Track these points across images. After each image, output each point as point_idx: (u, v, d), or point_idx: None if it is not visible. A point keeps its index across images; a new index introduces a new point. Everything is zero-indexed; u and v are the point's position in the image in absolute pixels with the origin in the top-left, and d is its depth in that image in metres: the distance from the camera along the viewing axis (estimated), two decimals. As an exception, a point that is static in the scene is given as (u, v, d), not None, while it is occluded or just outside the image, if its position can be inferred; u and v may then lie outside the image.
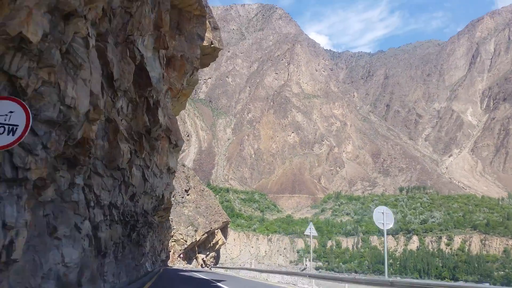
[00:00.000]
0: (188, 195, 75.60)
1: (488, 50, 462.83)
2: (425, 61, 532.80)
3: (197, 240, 74.29)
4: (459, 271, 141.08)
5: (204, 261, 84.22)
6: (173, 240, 68.98)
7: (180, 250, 71.16)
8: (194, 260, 78.93)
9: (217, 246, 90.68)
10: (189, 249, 75.48)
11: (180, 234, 69.50)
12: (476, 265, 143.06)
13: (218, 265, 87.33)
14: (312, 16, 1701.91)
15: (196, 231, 73.39)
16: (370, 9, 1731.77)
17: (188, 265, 74.47)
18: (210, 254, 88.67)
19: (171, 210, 71.12)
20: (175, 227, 68.90)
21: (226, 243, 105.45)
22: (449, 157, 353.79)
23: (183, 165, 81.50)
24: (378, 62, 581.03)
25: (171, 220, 60.01)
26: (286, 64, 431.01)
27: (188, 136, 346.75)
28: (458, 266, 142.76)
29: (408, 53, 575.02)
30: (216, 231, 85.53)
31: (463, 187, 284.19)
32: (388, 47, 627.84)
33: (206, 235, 77.58)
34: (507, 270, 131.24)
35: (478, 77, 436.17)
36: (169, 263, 66.17)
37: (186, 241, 70.01)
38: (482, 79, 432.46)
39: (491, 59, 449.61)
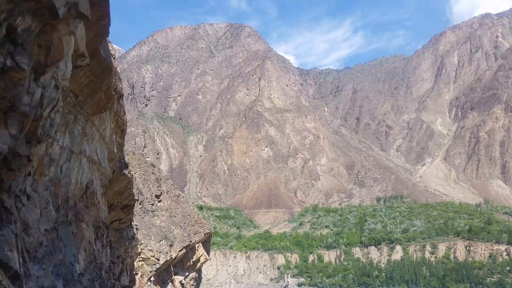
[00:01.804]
0: (159, 201, 64.91)
1: (452, 62, 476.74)
2: (391, 75, 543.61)
3: (173, 257, 61.58)
4: (448, 280, 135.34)
5: (182, 284, 70.61)
6: (140, 258, 55.68)
7: (150, 271, 57.10)
8: (170, 284, 65.69)
9: (198, 265, 77.49)
10: (162, 270, 62.20)
11: (150, 250, 56.30)
12: (465, 272, 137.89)
13: None
14: (278, 37, 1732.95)
15: (171, 246, 60.88)
16: (334, 30, 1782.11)
17: None
18: (190, 275, 75.11)
19: (138, 220, 60.02)
20: (143, 242, 57.49)
21: (209, 260, 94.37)
22: (422, 166, 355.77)
23: (153, 165, 70.90)
24: (346, 78, 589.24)
25: (135, 229, 49.77)
26: (257, 80, 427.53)
27: (158, 154, 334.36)
28: (447, 274, 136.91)
29: (374, 68, 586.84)
30: (197, 245, 73.21)
31: (439, 195, 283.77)
32: (354, 64, 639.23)
33: (184, 250, 65.08)
34: (500, 276, 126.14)
35: (445, 88, 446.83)
36: None
37: (158, 260, 57.04)
38: (448, 90, 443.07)
39: (455, 70, 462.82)
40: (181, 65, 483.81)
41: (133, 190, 26.51)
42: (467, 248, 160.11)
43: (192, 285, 74.49)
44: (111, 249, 30.05)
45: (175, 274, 67.31)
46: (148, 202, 61.16)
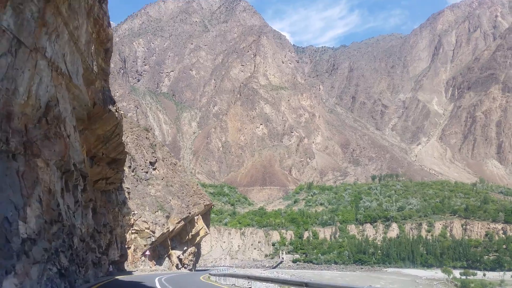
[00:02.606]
0: (154, 169, 59.65)
1: (450, 41, 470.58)
2: (388, 54, 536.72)
3: (170, 230, 56.46)
4: (446, 258, 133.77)
5: (180, 260, 65.75)
6: (133, 230, 50.06)
7: (145, 245, 51.89)
8: (167, 259, 60.55)
9: (198, 239, 72.14)
10: (158, 244, 57.02)
11: (145, 222, 50.96)
12: (461, 250, 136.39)
13: (200, 267, 72.20)
14: (274, 14, 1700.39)
15: (168, 217, 55.54)
16: (330, 7, 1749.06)
17: (157, 267, 56.53)
18: (189, 250, 69.16)
19: (131, 189, 54.20)
20: (136, 212, 50.25)
21: (208, 234, 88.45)
22: (417, 145, 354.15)
23: (147, 130, 65.37)
24: (342, 56, 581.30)
25: (127, 193, 44.42)
26: (252, 56, 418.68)
27: (150, 130, 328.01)
28: (444, 252, 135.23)
29: (371, 46, 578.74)
30: (196, 218, 67.62)
31: (434, 174, 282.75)
32: (350, 43, 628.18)
33: (182, 223, 59.52)
34: (497, 254, 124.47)
35: (442, 67, 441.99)
36: (127, 266, 47.27)
37: (153, 232, 52.07)
38: (445, 70, 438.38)
39: (453, 50, 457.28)
40: (174, 39, 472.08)
41: (122, 138, 21.47)
42: (463, 226, 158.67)
43: (191, 260, 68.80)
44: (96, 214, 25.24)
45: (172, 249, 62.62)
46: (142, 169, 55.90)
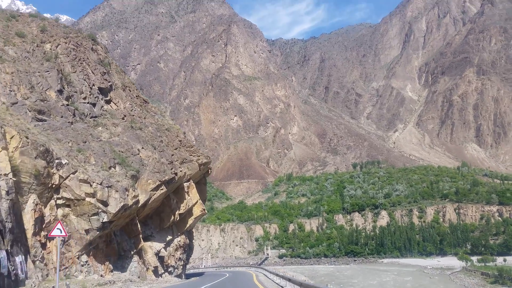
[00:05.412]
0: (109, 101, 39.16)
1: (420, 28, 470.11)
2: (359, 43, 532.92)
3: (141, 202, 31.94)
4: (446, 244, 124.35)
5: (161, 259, 40.34)
6: (62, 200, 26.36)
7: (87, 231, 26.99)
8: (135, 258, 34.14)
9: (191, 222, 46.03)
10: (117, 230, 32.55)
11: (86, 182, 26.74)
12: (460, 235, 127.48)
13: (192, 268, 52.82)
14: (241, 9, 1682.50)
15: (135, 178, 31.73)
16: (296, 2, 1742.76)
17: (116, 275, 30.51)
18: (175, 241, 43.92)
19: (60, 127, 29.34)
20: (67, 162, 26.41)
21: (206, 214, 61.55)
22: (394, 132, 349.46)
23: (93, 39, 44.42)
24: (313, 47, 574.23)
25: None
26: (223, 46, 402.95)
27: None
28: (444, 239, 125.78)
29: (341, 36, 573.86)
30: (187, 184, 43.57)
31: (415, 160, 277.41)
32: (319, 35, 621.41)
33: (163, 190, 35.06)
34: (505, 237, 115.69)
35: (414, 54, 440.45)
36: (43, 277, 22.46)
37: (105, 205, 27.44)
38: (417, 56, 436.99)
39: (424, 36, 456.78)
40: (139, 31, 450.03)
41: None
42: (457, 210, 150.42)
43: (179, 258, 44.21)
44: None
45: (146, 239, 37.91)
46: (85, 99, 35.59)
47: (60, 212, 26.78)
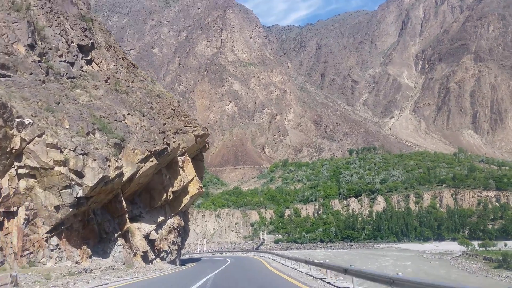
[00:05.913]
0: (90, 61, 34.64)
1: (417, 15, 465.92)
2: (356, 30, 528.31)
3: (126, 176, 28.48)
4: (444, 230, 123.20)
5: (152, 242, 36.05)
6: (24, 169, 22.17)
7: (58, 207, 22.67)
8: (120, 241, 30.13)
9: (186, 200, 41.93)
10: (97, 208, 28.18)
11: (56, 148, 22.55)
12: (458, 220, 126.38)
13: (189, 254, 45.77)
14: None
15: (119, 147, 28.14)
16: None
17: (96, 261, 26.50)
18: (169, 222, 39.78)
19: (29, 85, 25.38)
20: (31, 122, 22.45)
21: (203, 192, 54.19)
22: (390, 118, 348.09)
23: None
24: (309, 34, 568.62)
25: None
26: (219, 31, 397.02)
27: None
28: (442, 224, 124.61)
29: (338, 23, 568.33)
30: (181, 158, 39.70)
31: (411, 146, 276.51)
32: (315, 21, 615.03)
33: (154, 162, 31.38)
34: (504, 222, 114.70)
35: (411, 41, 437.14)
36: (9, 262, 20.28)
37: (79, 176, 23.27)
38: (414, 43, 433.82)
39: (421, 23, 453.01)
40: (133, 15, 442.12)
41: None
42: (454, 196, 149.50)
43: (173, 242, 39.84)
44: None
45: (133, 220, 33.80)
46: (61, 57, 31.24)
47: (22, 184, 22.32)
